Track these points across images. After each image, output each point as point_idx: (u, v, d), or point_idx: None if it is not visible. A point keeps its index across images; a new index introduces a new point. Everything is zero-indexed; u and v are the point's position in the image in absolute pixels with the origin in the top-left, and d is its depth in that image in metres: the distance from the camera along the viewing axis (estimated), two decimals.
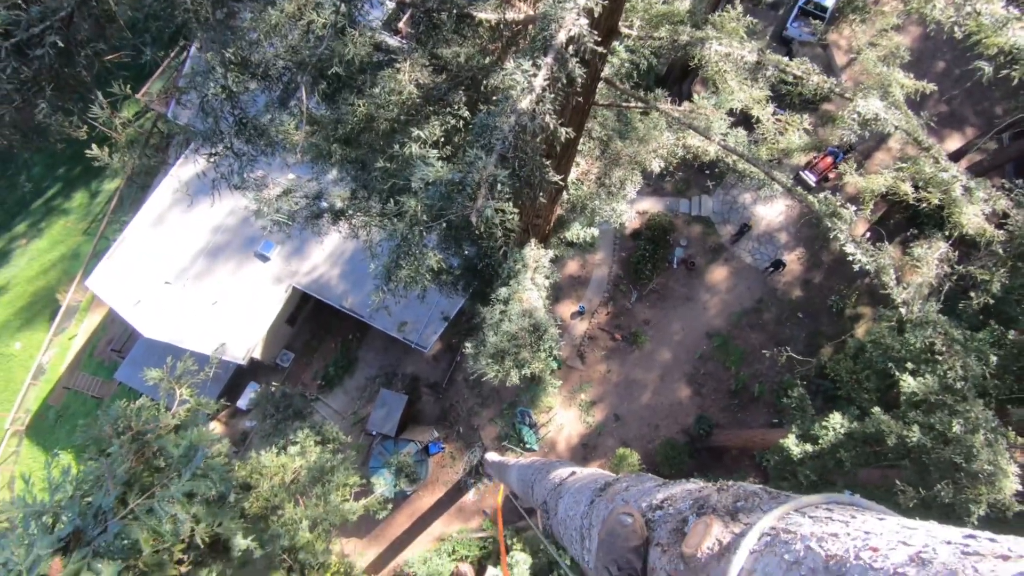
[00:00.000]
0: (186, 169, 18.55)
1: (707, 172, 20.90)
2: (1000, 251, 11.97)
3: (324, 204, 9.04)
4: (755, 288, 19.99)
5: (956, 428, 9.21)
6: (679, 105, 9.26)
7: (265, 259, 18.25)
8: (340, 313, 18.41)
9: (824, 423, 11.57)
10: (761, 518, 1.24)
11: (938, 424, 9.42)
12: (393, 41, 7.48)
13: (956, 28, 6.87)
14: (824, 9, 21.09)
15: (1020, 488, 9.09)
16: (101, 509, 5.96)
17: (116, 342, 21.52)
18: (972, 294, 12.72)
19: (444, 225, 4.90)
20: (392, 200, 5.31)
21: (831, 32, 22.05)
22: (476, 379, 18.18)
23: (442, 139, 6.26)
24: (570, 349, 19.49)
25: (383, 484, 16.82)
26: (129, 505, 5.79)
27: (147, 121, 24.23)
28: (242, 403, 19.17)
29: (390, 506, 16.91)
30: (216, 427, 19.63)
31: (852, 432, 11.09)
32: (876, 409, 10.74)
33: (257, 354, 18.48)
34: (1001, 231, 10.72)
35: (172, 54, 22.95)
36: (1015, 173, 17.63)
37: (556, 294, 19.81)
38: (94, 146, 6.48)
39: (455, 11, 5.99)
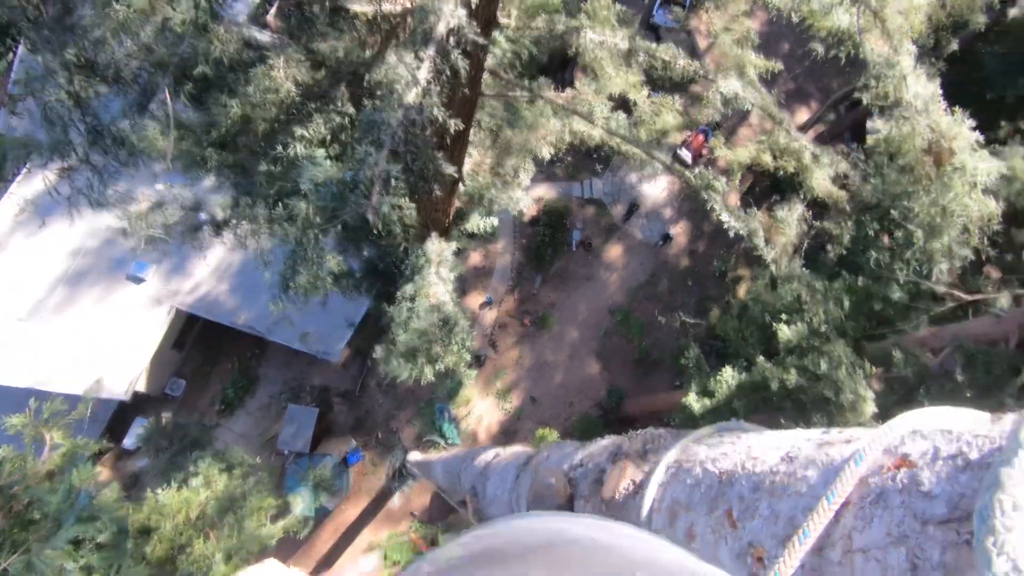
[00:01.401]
0: (29, 187, 16.28)
1: (594, 156, 21.81)
2: (847, 208, 13.72)
3: (203, 216, 8.37)
4: (648, 262, 21.28)
5: (824, 366, 10.47)
6: (563, 92, 9.60)
7: (139, 281, 16.54)
8: (234, 331, 17.16)
9: (719, 378, 12.62)
10: (666, 454, 1.40)
11: (810, 365, 10.64)
12: (263, 36, 7.05)
13: (793, 13, 7.72)
14: None
15: (876, 410, 10.54)
16: None
17: None
18: (828, 247, 14.47)
19: (340, 226, 4.76)
20: (280, 204, 5.06)
21: (692, 18, 23.77)
22: (390, 382, 17.81)
23: (328, 137, 6.04)
24: (482, 339, 19.64)
25: (302, 502, 16.03)
26: (1, 565, 5.12)
27: None
28: (128, 442, 17.25)
29: (311, 523, 16.18)
30: (101, 472, 17.60)
31: (742, 383, 12.20)
32: (760, 359, 11.89)
33: (141, 386, 16.75)
34: (843, 191, 12.30)
35: None
36: (851, 139, 20.13)
37: (463, 286, 19.84)
38: None
39: (327, 3, 5.78)
